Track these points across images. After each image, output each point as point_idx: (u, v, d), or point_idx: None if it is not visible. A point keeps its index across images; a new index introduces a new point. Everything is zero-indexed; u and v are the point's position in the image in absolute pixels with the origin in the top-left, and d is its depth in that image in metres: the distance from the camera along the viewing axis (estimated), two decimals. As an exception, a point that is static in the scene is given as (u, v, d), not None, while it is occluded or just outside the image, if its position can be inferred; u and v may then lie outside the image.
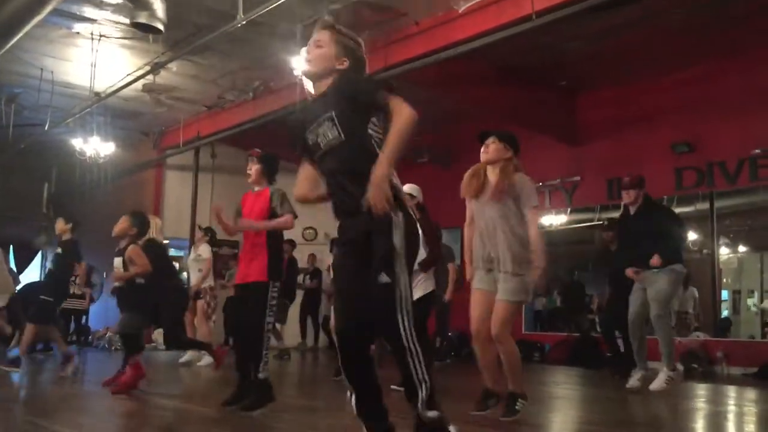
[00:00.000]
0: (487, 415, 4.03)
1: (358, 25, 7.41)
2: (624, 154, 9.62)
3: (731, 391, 6.79)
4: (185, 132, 11.68)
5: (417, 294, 4.97)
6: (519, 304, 4.04)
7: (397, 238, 2.46)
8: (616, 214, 9.14)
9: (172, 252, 11.30)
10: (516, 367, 3.98)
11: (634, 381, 5.80)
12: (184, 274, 8.91)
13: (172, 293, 6.22)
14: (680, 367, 6.66)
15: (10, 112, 10.95)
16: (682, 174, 9.28)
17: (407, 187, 5.41)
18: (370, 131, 2.57)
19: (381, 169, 2.36)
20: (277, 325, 8.89)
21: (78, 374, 6.55)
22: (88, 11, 7.94)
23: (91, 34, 8.52)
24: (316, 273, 11.83)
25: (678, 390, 5.66)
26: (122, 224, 5.58)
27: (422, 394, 2.42)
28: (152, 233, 6.12)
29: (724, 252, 10.11)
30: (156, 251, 5.98)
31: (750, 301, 10.95)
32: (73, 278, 8.15)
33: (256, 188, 4.54)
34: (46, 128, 10.74)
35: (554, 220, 10.93)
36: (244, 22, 6.75)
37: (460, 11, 7.40)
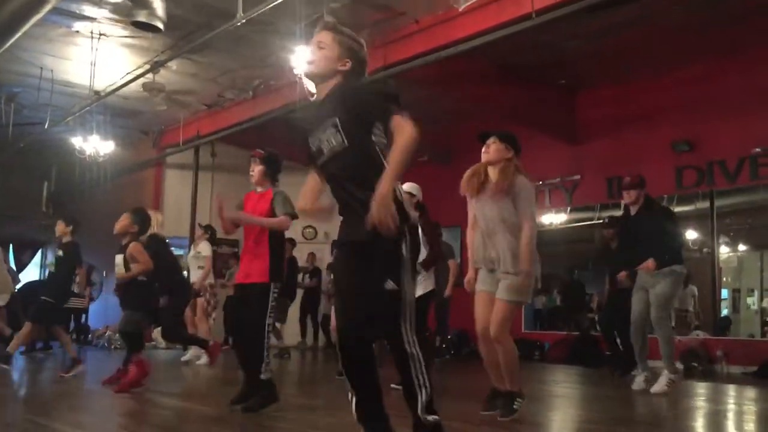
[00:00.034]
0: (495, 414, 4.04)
1: (357, 24, 7.41)
2: (624, 152, 9.62)
3: (731, 389, 6.79)
4: (185, 131, 11.68)
5: (417, 292, 4.98)
6: (518, 304, 4.05)
7: (404, 246, 2.49)
8: (616, 213, 9.15)
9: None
10: (513, 366, 3.99)
11: (639, 383, 5.80)
12: (185, 272, 8.91)
13: (175, 287, 6.25)
14: (680, 365, 6.67)
15: (9, 110, 10.95)
16: (682, 173, 9.28)
17: (407, 186, 5.41)
18: (373, 137, 2.57)
19: (384, 187, 2.34)
20: (277, 324, 8.89)
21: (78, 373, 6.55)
22: (88, 10, 7.93)
23: (91, 32, 8.51)
24: (315, 272, 11.84)
25: (678, 388, 5.65)
26: (123, 221, 5.56)
27: (422, 398, 2.46)
28: (154, 228, 6.12)
29: (724, 251, 10.12)
30: (159, 246, 5.98)
31: (750, 300, 10.96)
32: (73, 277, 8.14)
33: (259, 189, 4.53)
34: (45, 127, 10.74)
35: (554, 219, 10.94)
36: (243, 21, 6.74)
37: (459, 10, 7.39)
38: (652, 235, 5.72)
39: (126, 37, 8.61)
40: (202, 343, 6.59)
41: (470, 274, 4.22)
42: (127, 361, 5.52)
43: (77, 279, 8.61)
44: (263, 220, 4.34)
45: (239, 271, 4.50)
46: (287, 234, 4.60)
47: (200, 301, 8.24)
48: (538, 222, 10.22)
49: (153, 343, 10.18)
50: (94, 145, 10.79)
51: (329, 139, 2.56)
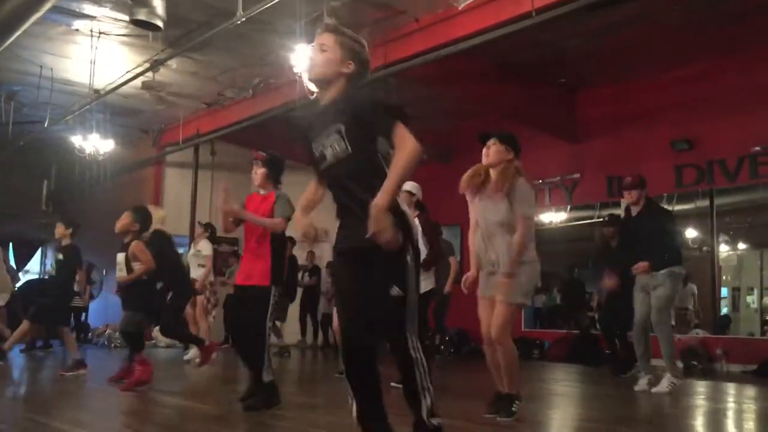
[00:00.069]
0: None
1: (357, 23, 7.41)
2: (624, 151, 9.63)
3: (730, 388, 6.80)
4: (185, 129, 11.67)
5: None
6: (518, 306, 4.07)
7: (408, 253, 2.50)
8: (616, 211, 9.16)
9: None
10: (513, 368, 4.01)
11: (642, 385, 5.81)
12: (185, 270, 8.92)
13: (177, 285, 6.26)
14: (680, 364, 6.68)
15: (9, 109, 10.94)
16: (681, 171, 9.29)
17: (407, 185, 5.41)
18: (377, 147, 2.56)
19: (382, 199, 2.33)
20: (277, 323, 8.90)
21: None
22: (88, 8, 7.92)
23: (91, 31, 8.51)
24: (315, 270, 11.84)
25: (677, 387, 5.66)
26: (124, 220, 5.55)
27: (427, 402, 2.47)
28: (157, 224, 6.11)
29: (723, 249, 10.11)
30: (163, 243, 5.98)
31: (749, 299, 10.96)
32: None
33: (262, 192, 4.54)
34: (45, 125, 10.74)
35: (554, 217, 10.94)
36: (243, 19, 6.74)
37: (459, 8, 7.39)
38: (651, 235, 5.74)
39: (126, 35, 8.60)
40: (199, 343, 6.57)
41: (471, 272, 4.22)
42: (131, 359, 5.52)
43: (77, 278, 8.60)
44: (256, 218, 4.35)
45: (240, 271, 4.50)
46: (287, 233, 4.60)
47: (200, 299, 8.24)
48: (538, 221, 10.27)
49: (153, 341, 10.18)
50: (94, 144, 10.78)
51: (333, 145, 2.55)
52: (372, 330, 2.50)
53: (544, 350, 10.09)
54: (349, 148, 2.52)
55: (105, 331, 11.44)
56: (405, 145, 2.39)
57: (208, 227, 8.67)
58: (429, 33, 7.86)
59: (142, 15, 7.00)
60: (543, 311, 11.69)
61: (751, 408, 5.51)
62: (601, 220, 9.27)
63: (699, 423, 4.62)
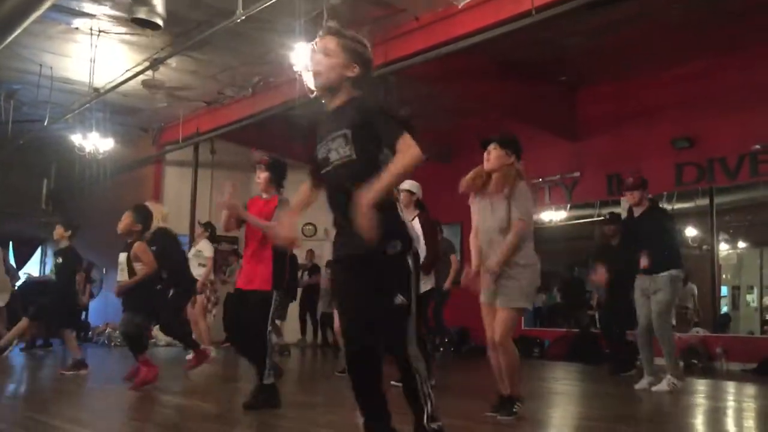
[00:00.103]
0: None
1: (357, 21, 7.40)
2: (624, 149, 9.62)
3: (730, 386, 6.80)
4: (184, 128, 11.66)
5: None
6: (519, 310, 4.07)
7: (411, 261, 2.50)
8: (616, 210, 9.17)
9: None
10: (514, 370, 4.02)
11: (643, 383, 5.82)
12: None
13: (179, 283, 6.25)
14: (680, 363, 6.66)
15: (9, 108, 10.93)
16: (682, 169, 9.28)
17: (406, 184, 5.41)
18: (381, 156, 2.54)
19: (366, 197, 2.30)
20: (277, 321, 8.90)
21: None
22: (87, 7, 7.92)
23: (90, 29, 8.50)
24: (314, 269, 11.83)
25: (678, 388, 5.66)
26: (125, 221, 5.52)
27: (428, 408, 2.49)
28: (159, 222, 6.09)
29: (723, 248, 10.10)
30: (167, 241, 5.97)
31: (749, 297, 10.95)
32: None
33: (265, 196, 4.55)
34: (45, 124, 10.73)
35: (554, 216, 10.93)
36: (243, 18, 6.74)
37: (459, 6, 7.39)
38: (651, 235, 5.75)
39: (125, 34, 8.59)
40: (195, 346, 6.53)
41: (472, 268, 4.21)
42: (137, 359, 5.52)
43: (77, 278, 8.61)
44: (261, 222, 4.34)
45: (241, 275, 4.49)
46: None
47: (200, 298, 8.23)
48: (538, 219, 10.26)
49: (153, 340, 10.18)
50: (94, 143, 10.77)
51: (338, 149, 2.54)
52: (372, 330, 2.49)
53: (544, 349, 10.09)
54: (354, 153, 2.51)
55: (105, 330, 11.45)
56: (408, 151, 2.38)
57: (208, 226, 8.65)
58: (429, 31, 7.85)
59: (142, 13, 7.00)
60: (543, 310, 11.68)
61: (750, 406, 5.52)
62: (602, 218, 9.26)
63: (699, 421, 4.62)
